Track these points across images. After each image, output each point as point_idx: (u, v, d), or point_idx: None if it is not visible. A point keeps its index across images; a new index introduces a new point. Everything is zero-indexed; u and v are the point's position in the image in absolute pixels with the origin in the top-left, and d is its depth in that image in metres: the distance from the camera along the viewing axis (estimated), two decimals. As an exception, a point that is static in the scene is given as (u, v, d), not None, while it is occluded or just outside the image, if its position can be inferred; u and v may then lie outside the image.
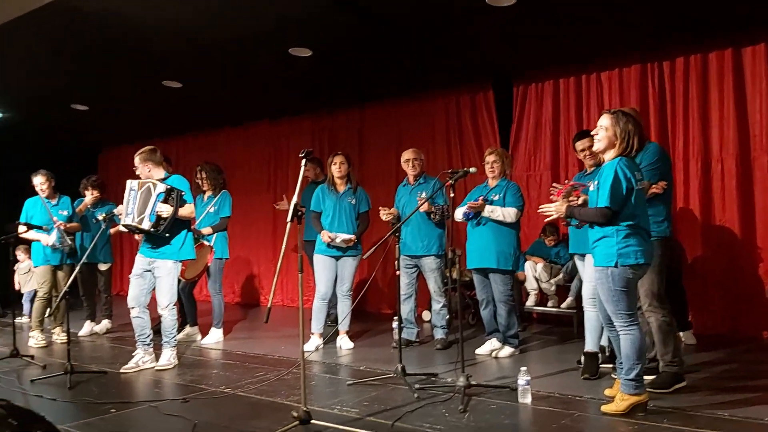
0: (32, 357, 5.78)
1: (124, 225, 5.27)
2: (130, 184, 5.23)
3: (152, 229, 5.05)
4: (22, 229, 6.21)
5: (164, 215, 5.05)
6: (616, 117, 3.72)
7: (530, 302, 6.82)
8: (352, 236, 5.86)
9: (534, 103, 7.29)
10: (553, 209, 4.05)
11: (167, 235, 5.16)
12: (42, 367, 5.42)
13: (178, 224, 5.23)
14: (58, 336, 6.67)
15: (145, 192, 5.12)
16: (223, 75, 7.27)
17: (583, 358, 4.76)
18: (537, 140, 7.27)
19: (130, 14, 5.44)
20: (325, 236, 5.86)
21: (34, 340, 6.45)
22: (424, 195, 5.71)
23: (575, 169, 6.65)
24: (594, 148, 3.87)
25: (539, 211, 4.20)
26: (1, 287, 8.56)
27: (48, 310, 6.51)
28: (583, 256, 4.77)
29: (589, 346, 4.72)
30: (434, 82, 7.68)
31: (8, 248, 5.84)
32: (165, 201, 5.07)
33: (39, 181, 6.48)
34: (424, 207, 5.52)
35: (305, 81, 7.52)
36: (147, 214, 5.05)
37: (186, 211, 5.21)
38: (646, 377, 3.82)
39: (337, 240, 5.82)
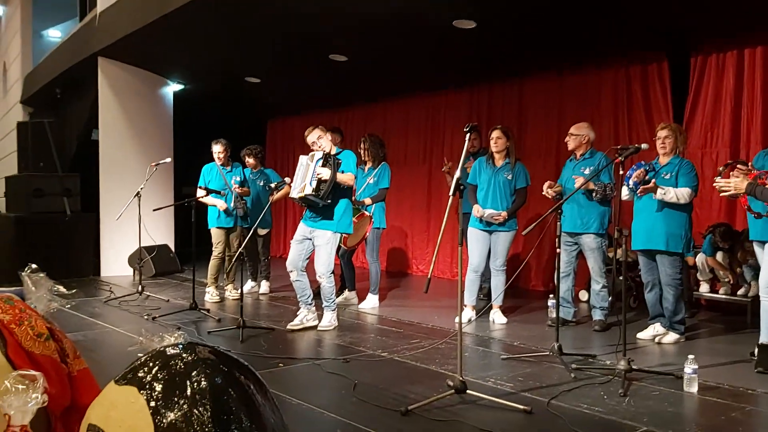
0: (208, 311, 6.32)
1: (291, 197, 5.63)
2: (301, 159, 5.53)
3: (313, 194, 5.30)
4: (200, 193, 6.78)
5: (323, 177, 5.29)
6: None
7: (703, 289, 6.38)
8: (502, 213, 5.78)
9: (714, 74, 6.72)
10: (732, 185, 3.76)
11: (328, 201, 5.39)
12: (217, 320, 5.92)
13: (338, 195, 5.46)
14: (230, 293, 7.23)
15: (307, 163, 5.43)
16: (388, 49, 7.41)
17: (757, 350, 4.41)
18: (715, 115, 6.71)
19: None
20: (475, 210, 5.85)
21: (209, 295, 7.05)
22: (588, 171, 5.50)
23: (758, 146, 6.08)
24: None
25: (715, 185, 3.92)
26: (180, 245, 9.43)
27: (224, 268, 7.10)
28: (762, 243, 4.39)
29: (765, 337, 4.35)
30: (602, 52, 7.31)
31: (190, 210, 6.38)
32: (323, 165, 5.31)
33: (218, 149, 7.01)
34: (581, 184, 5.29)
35: (467, 53, 7.47)
36: (308, 180, 5.33)
37: (345, 177, 5.42)
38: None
39: (485, 215, 5.78)
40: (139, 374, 0.94)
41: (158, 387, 0.92)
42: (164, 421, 0.89)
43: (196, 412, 0.90)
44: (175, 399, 0.91)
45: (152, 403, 0.90)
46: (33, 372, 1.14)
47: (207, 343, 1.02)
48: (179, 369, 0.95)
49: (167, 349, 1.01)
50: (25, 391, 1.11)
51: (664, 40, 6.84)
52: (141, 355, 1.02)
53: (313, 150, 5.53)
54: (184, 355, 0.98)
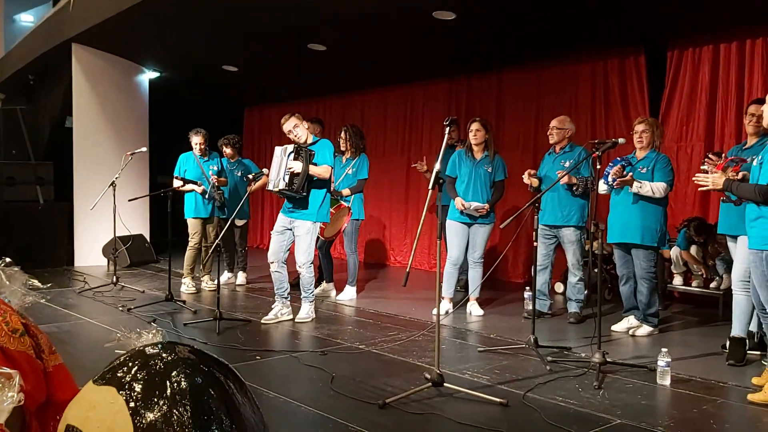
0: (184, 302, 6.27)
1: (269, 190, 5.62)
2: (276, 150, 5.51)
3: (287, 188, 5.29)
4: (177, 183, 6.71)
5: (295, 171, 5.27)
6: None
7: (677, 282, 6.48)
8: (485, 205, 5.82)
9: (690, 68, 6.80)
10: (710, 181, 3.81)
11: (304, 194, 5.37)
12: (193, 312, 5.88)
13: (317, 187, 5.44)
14: (207, 284, 7.18)
15: (281, 156, 5.41)
16: (367, 39, 7.37)
17: (728, 342, 4.49)
18: (690, 109, 6.80)
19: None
20: (458, 203, 5.87)
21: (186, 286, 6.99)
22: (568, 165, 5.55)
23: (732, 141, 6.18)
24: (765, 123, 3.58)
25: (694, 179, 3.98)
26: (156, 235, 9.34)
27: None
28: (734, 237, 4.47)
29: (737, 330, 4.44)
30: (580, 45, 7.36)
31: (166, 200, 6.31)
32: (295, 158, 5.28)
33: (198, 140, 6.93)
34: (565, 179, 5.35)
35: (446, 45, 7.47)
36: (281, 175, 5.30)
37: (320, 170, 5.39)
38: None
39: (470, 208, 5.81)
40: (119, 374, 0.94)
41: (138, 387, 0.91)
42: (144, 421, 0.88)
43: (176, 412, 0.89)
44: (155, 399, 0.90)
45: (131, 404, 0.90)
46: (9, 370, 1.13)
47: (186, 343, 1.01)
48: (159, 369, 0.94)
49: (147, 348, 1.00)
50: (0, 390, 1.10)
51: (641, 34, 6.90)
52: (121, 353, 1.01)
53: (289, 138, 5.50)
54: (164, 354, 0.97)
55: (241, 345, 4.74)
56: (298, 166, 5.27)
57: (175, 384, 0.92)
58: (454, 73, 8.86)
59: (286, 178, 5.29)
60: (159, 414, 0.88)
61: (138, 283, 7.26)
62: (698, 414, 3.42)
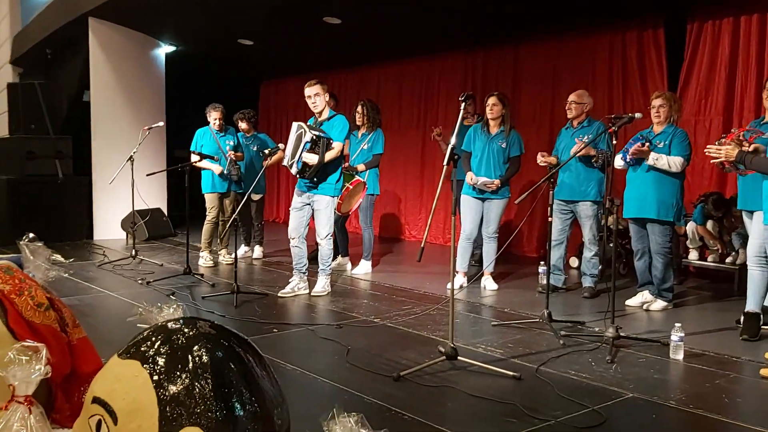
0: (202, 275, 6.36)
1: (284, 165, 5.66)
2: (293, 126, 5.51)
3: (298, 175, 5.36)
4: (194, 158, 6.76)
5: (309, 163, 5.30)
6: None
7: (692, 256, 6.46)
8: (495, 181, 5.80)
9: (709, 41, 6.69)
10: (722, 152, 3.79)
11: (316, 180, 5.43)
12: (211, 285, 5.96)
13: (335, 162, 5.47)
14: (224, 258, 7.26)
15: (297, 137, 5.39)
16: (382, 12, 7.32)
17: (743, 318, 4.49)
18: (709, 82, 6.71)
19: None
20: (468, 178, 5.87)
21: (203, 260, 7.08)
22: (586, 139, 5.51)
23: (751, 115, 6.10)
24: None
25: (706, 151, 3.95)
26: (174, 209, 9.43)
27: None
28: (751, 212, 4.44)
29: (751, 306, 4.43)
30: (598, 18, 7.26)
31: (183, 174, 6.36)
32: (312, 149, 5.28)
33: (216, 116, 6.96)
34: (585, 151, 5.31)
35: (462, 17, 7.40)
36: (295, 160, 5.33)
37: (333, 153, 5.41)
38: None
39: (478, 183, 5.80)
40: (142, 348, 0.98)
41: (161, 361, 0.95)
42: (167, 394, 0.92)
43: (198, 385, 0.93)
44: (178, 373, 0.94)
45: (155, 377, 0.94)
46: (36, 343, 1.17)
47: (206, 318, 1.04)
48: (181, 343, 0.98)
49: (169, 323, 1.04)
50: (28, 363, 1.14)
51: (660, 6, 6.79)
52: (143, 327, 1.05)
53: (308, 102, 5.51)
54: (186, 329, 1.01)
55: (259, 318, 4.81)
56: (313, 159, 5.30)
57: (197, 358, 0.96)
58: (471, 46, 8.79)
59: (300, 165, 5.31)
60: (182, 386, 0.93)
61: (156, 257, 7.36)
62: (711, 388, 3.44)
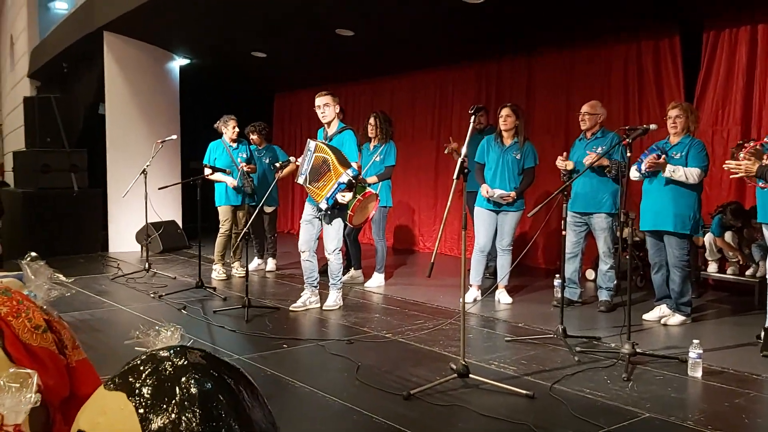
0: (214, 289, 6.34)
1: (297, 182, 5.61)
2: (309, 144, 5.47)
3: (323, 209, 5.33)
4: (207, 171, 6.76)
5: (341, 202, 5.27)
6: None
7: (711, 269, 6.35)
8: (510, 193, 5.74)
9: (726, 50, 6.59)
10: (743, 167, 3.71)
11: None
12: (223, 299, 5.94)
13: None
14: (237, 270, 7.25)
15: (321, 162, 5.26)
16: (395, 24, 7.31)
17: (763, 333, 4.38)
18: (726, 91, 6.60)
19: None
20: (483, 190, 5.81)
21: (216, 273, 7.07)
22: (599, 150, 5.44)
23: (770, 125, 6.00)
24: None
25: (725, 166, 3.87)
26: (188, 221, 9.45)
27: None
28: (772, 224, 4.35)
29: (772, 321, 4.34)
30: (613, 27, 7.18)
31: (196, 188, 6.37)
32: (347, 190, 5.24)
33: (233, 125, 6.99)
34: (600, 161, 5.23)
35: (475, 28, 7.36)
36: (325, 195, 5.23)
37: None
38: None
39: (495, 196, 5.75)
40: (130, 379, 0.94)
41: (147, 393, 0.92)
42: (152, 427, 0.89)
43: (185, 418, 0.89)
44: (164, 405, 0.90)
45: (141, 410, 0.90)
46: (27, 370, 1.14)
47: (197, 348, 1.01)
48: (169, 374, 0.94)
49: (159, 352, 1.01)
50: (18, 391, 1.11)
51: (675, 14, 6.72)
52: (140, 351, 1.02)
53: (317, 112, 5.50)
54: (175, 359, 0.97)
55: (269, 333, 4.77)
56: (345, 199, 5.30)
57: (185, 390, 0.92)
58: (484, 57, 8.75)
59: (330, 203, 5.25)
60: (168, 420, 0.89)
61: (170, 270, 7.36)
62: (730, 408, 3.35)
